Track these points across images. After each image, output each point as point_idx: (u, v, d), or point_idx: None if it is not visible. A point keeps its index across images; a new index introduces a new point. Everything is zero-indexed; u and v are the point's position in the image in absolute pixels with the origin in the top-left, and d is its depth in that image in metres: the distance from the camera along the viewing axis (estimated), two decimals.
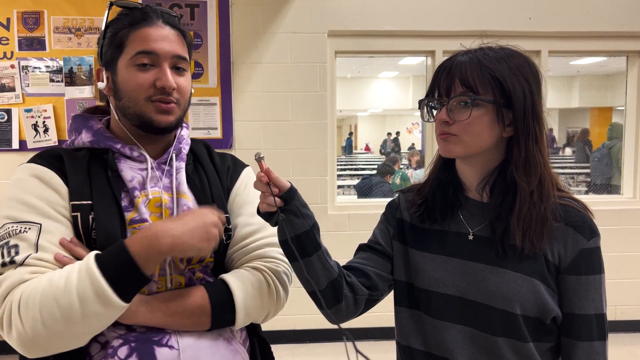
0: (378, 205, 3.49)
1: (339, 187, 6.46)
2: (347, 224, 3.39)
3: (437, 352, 0.99)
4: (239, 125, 3.31)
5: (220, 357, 0.95)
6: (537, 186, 0.94)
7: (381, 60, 10.87)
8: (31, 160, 0.97)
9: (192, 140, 1.11)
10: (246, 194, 1.09)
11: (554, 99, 13.66)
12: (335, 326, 0.96)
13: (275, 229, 0.96)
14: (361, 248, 1.12)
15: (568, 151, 14.88)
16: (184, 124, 1.09)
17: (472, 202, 1.01)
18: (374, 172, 7.05)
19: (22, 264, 0.85)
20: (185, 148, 1.06)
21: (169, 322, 0.91)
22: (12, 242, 0.87)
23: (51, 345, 0.84)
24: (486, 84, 0.93)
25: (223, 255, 1.04)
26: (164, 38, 0.97)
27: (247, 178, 1.12)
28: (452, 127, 0.95)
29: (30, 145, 3.19)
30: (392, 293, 1.10)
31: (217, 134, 3.29)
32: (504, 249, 0.94)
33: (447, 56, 1.00)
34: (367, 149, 18.86)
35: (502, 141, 0.96)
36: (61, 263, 0.87)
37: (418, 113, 1.06)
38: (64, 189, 0.93)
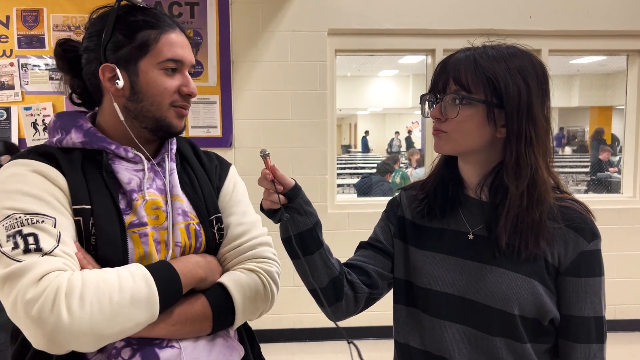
0: (378, 204, 3.50)
1: (339, 185, 6.46)
2: (347, 223, 3.39)
3: (434, 350, 0.98)
4: (238, 123, 3.30)
5: (218, 354, 0.97)
6: (528, 190, 0.91)
7: (381, 59, 10.86)
8: (25, 157, 0.91)
9: (177, 138, 1.09)
10: (236, 192, 1.10)
11: (554, 97, 13.60)
12: (334, 325, 0.96)
13: (265, 228, 0.98)
14: (362, 245, 1.11)
15: (568, 150, 14.88)
16: None
17: (472, 201, 1.01)
18: (374, 170, 7.04)
19: (49, 253, 0.81)
20: (174, 148, 1.06)
21: (172, 332, 0.92)
22: (27, 230, 0.81)
23: (83, 340, 0.79)
24: (479, 83, 0.92)
25: (215, 253, 1.05)
26: (187, 46, 1.00)
27: (235, 176, 1.14)
28: (444, 124, 0.95)
29: (29, 144, 3.18)
30: (391, 291, 1.10)
31: (217, 132, 3.28)
32: (500, 249, 0.93)
33: (447, 55, 1.00)
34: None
35: (499, 141, 0.95)
36: (80, 264, 0.85)
37: (418, 112, 1.06)
38: (67, 190, 0.90)
